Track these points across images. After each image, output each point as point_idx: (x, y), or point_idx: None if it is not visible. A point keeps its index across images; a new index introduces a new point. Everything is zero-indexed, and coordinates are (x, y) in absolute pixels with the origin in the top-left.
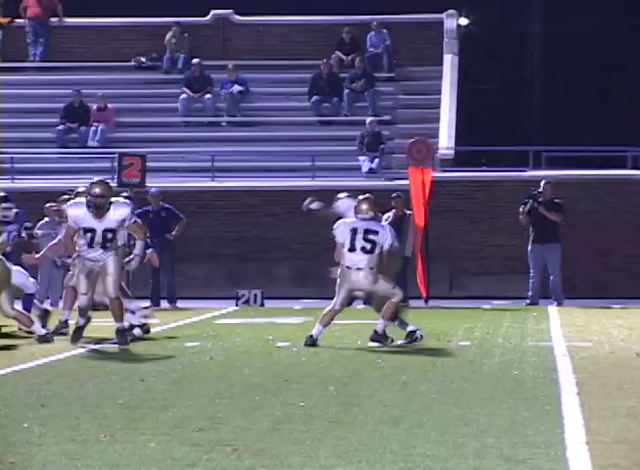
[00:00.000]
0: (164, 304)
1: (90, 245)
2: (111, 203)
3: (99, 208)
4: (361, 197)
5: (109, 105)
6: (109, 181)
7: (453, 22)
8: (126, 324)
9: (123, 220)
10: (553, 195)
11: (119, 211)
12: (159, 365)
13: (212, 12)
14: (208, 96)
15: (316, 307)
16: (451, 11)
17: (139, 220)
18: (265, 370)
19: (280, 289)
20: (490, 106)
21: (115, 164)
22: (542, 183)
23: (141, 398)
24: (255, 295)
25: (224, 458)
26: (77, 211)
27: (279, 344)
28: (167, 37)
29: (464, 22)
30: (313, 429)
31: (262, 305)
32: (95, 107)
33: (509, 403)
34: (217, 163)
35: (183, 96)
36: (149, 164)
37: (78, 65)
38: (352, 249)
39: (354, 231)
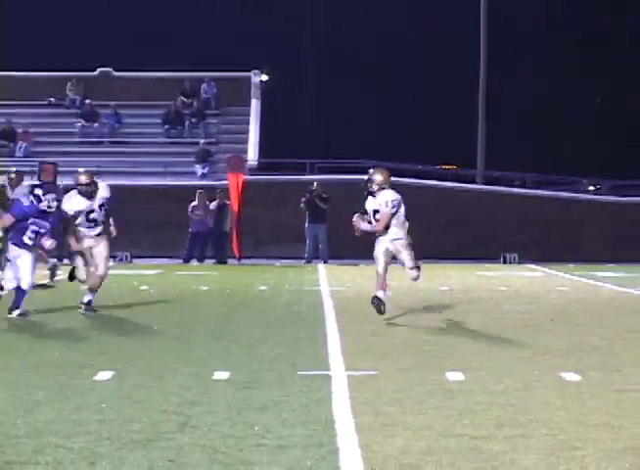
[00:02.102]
0: None
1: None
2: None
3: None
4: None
5: (29, 129)
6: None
7: (257, 77)
8: None
9: None
10: (322, 191)
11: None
12: None
13: (99, 69)
14: (96, 124)
15: None
16: (256, 70)
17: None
18: None
19: None
20: (283, 132)
21: (37, 168)
22: (315, 183)
23: None
24: None
25: None
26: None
27: None
28: (68, 85)
29: (264, 77)
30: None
31: None
32: (21, 130)
33: (292, 327)
34: (100, 167)
35: (80, 124)
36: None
37: (8, 102)
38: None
39: None
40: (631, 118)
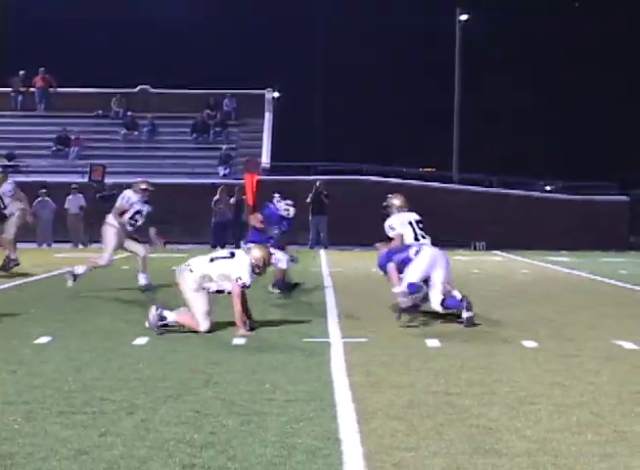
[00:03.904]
0: None
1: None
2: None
3: None
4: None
5: (81, 136)
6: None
7: (271, 94)
8: None
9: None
10: (324, 189)
11: None
12: None
13: (139, 86)
14: (136, 133)
15: None
16: (269, 88)
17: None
18: None
19: None
20: (291, 140)
21: (87, 169)
22: (318, 182)
23: None
24: None
25: None
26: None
27: None
28: (113, 100)
29: (276, 94)
30: None
31: None
32: (73, 137)
33: (297, 302)
34: (139, 168)
35: (123, 132)
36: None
37: (64, 114)
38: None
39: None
40: (579, 131)
